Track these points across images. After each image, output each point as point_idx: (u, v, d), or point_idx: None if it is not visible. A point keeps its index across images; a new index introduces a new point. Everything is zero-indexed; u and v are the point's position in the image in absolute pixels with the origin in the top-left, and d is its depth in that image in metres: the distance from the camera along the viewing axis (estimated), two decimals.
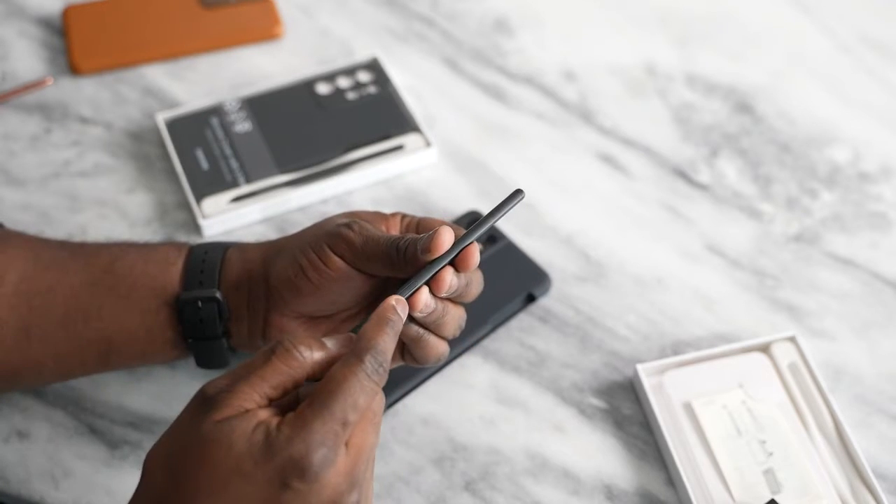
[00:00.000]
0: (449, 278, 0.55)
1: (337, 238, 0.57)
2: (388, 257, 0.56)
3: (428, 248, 0.54)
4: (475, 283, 0.59)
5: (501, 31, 0.88)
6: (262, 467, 0.46)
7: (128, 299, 0.61)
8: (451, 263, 0.56)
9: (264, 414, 0.47)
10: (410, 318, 0.56)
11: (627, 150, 0.80)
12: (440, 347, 0.59)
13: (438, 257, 0.55)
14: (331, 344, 0.50)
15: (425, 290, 0.55)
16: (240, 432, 0.46)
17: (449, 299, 0.57)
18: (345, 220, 0.59)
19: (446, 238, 0.54)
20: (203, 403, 0.47)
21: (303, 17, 0.88)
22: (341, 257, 0.57)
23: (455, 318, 0.58)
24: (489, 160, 0.79)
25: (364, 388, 0.48)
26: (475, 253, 0.56)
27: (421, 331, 0.57)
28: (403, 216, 0.61)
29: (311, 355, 0.49)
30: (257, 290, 0.61)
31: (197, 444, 0.47)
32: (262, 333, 0.62)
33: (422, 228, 0.60)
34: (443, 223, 0.60)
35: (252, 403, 0.48)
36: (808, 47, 0.88)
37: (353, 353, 0.49)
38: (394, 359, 0.60)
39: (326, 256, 0.57)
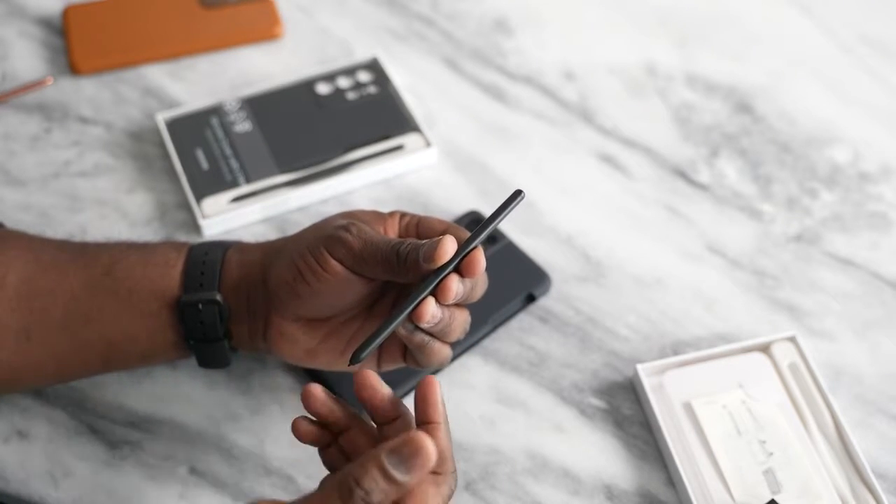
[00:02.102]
0: (455, 287, 0.54)
1: (335, 242, 0.57)
2: (387, 262, 0.56)
3: (431, 258, 0.54)
4: (480, 284, 0.58)
5: (501, 31, 0.88)
6: None
7: (128, 302, 0.61)
8: (457, 269, 0.55)
9: None
10: (416, 327, 0.56)
11: (627, 150, 0.80)
12: (444, 352, 0.59)
13: (442, 265, 0.54)
14: (403, 476, 0.47)
15: (431, 300, 0.54)
16: None
17: (455, 304, 0.57)
18: (343, 223, 0.58)
19: (450, 248, 0.54)
20: None
21: (303, 17, 0.88)
22: (340, 261, 0.57)
23: (461, 322, 0.58)
24: (489, 160, 0.79)
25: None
26: (481, 258, 0.55)
27: (426, 338, 0.57)
28: (402, 215, 0.61)
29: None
30: (256, 293, 0.61)
31: None
32: (263, 335, 0.61)
33: (421, 228, 0.60)
34: (442, 222, 0.60)
35: None
36: (808, 47, 0.88)
37: (444, 479, 0.50)
38: (395, 360, 0.60)
39: (325, 260, 0.57)
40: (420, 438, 0.45)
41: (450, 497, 0.51)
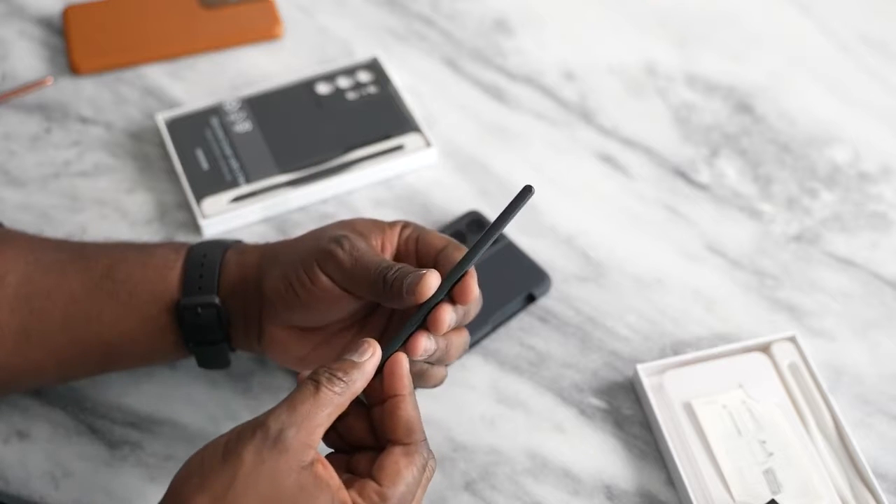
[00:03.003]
0: (447, 318, 0.54)
1: (326, 256, 0.57)
2: (375, 286, 0.55)
3: (413, 292, 0.53)
4: (474, 306, 0.58)
5: (501, 31, 0.88)
6: None
7: (128, 305, 0.61)
8: (450, 293, 0.55)
9: (335, 483, 0.49)
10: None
11: (627, 150, 0.80)
12: (440, 375, 0.59)
13: (435, 293, 0.54)
14: (356, 357, 0.52)
15: (423, 335, 0.54)
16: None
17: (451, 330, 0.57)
18: (338, 235, 0.58)
19: (432, 284, 0.53)
20: (267, 439, 0.48)
21: (303, 17, 0.88)
22: (329, 276, 0.57)
23: (459, 345, 0.58)
24: (489, 160, 0.79)
25: (424, 478, 0.51)
26: (473, 286, 0.55)
27: (425, 366, 0.57)
28: (405, 226, 0.60)
29: (350, 378, 0.51)
30: (252, 297, 0.61)
31: (273, 492, 0.47)
32: (258, 338, 0.61)
33: (421, 244, 0.59)
34: (442, 239, 0.59)
35: (315, 438, 0.49)
36: (808, 47, 0.88)
37: (415, 448, 0.51)
38: None
39: (315, 275, 0.57)
40: (362, 339, 0.53)
41: (425, 465, 0.51)
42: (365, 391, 0.54)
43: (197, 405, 0.66)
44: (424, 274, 0.53)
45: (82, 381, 0.67)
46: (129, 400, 0.67)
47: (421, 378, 0.57)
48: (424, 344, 0.54)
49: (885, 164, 0.80)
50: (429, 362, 0.57)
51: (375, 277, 0.55)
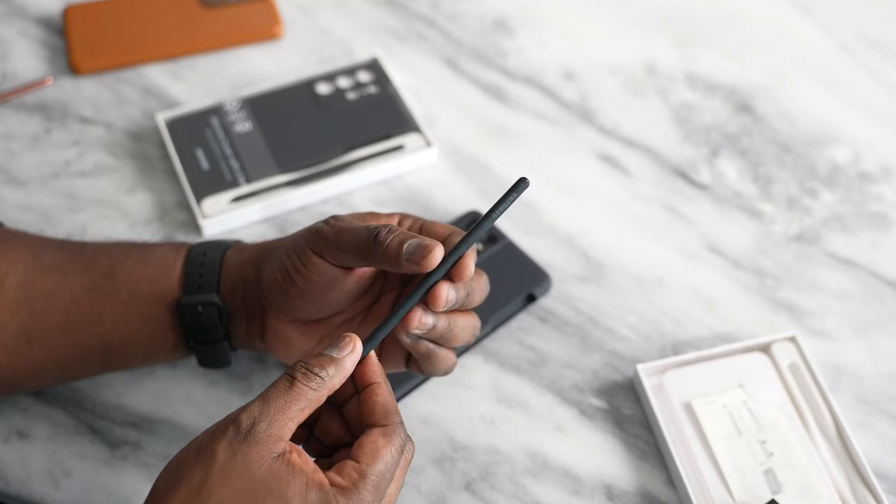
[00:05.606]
0: (445, 294, 0.54)
1: (313, 234, 0.57)
2: (363, 246, 0.55)
3: (417, 262, 0.53)
4: (479, 289, 0.58)
5: (501, 31, 0.88)
6: None
7: (128, 305, 0.61)
8: (451, 275, 0.55)
9: (310, 468, 0.49)
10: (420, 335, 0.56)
11: (627, 150, 0.80)
12: (450, 360, 0.58)
13: (434, 272, 0.54)
14: (335, 353, 0.52)
15: (418, 309, 0.54)
16: (295, 489, 0.48)
17: (455, 310, 0.57)
18: (326, 218, 0.58)
19: (438, 256, 0.53)
20: (238, 434, 0.48)
21: (303, 17, 0.88)
22: (320, 255, 0.57)
23: (466, 327, 0.57)
24: (489, 160, 0.79)
25: (401, 458, 0.52)
26: (469, 263, 0.55)
27: (431, 346, 0.57)
28: (404, 217, 0.60)
29: (327, 374, 0.51)
30: (252, 294, 0.61)
31: (247, 482, 0.48)
32: (261, 336, 0.61)
33: (426, 231, 0.59)
34: (446, 227, 0.59)
35: (287, 431, 0.49)
36: (808, 47, 0.88)
37: (393, 430, 0.51)
38: (396, 364, 0.60)
39: (307, 257, 0.57)
40: (344, 334, 0.53)
41: (403, 446, 0.52)
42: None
43: (197, 405, 0.66)
44: (433, 245, 0.53)
45: (82, 381, 0.67)
46: (128, 400, 0.67)
47: (428, 360, 0.57)
48: (420, 317, 0.54)
49: (885, 164, 0.80)
50: (433, 341, 0.57)
51: (363, 237, 0.55)
